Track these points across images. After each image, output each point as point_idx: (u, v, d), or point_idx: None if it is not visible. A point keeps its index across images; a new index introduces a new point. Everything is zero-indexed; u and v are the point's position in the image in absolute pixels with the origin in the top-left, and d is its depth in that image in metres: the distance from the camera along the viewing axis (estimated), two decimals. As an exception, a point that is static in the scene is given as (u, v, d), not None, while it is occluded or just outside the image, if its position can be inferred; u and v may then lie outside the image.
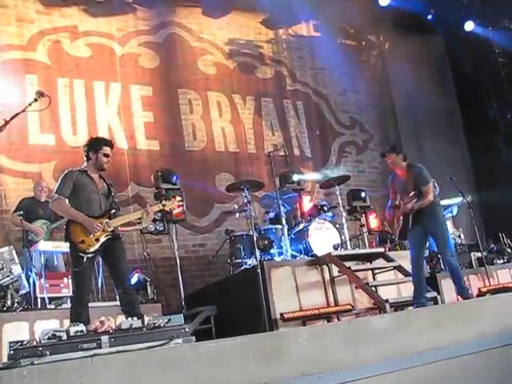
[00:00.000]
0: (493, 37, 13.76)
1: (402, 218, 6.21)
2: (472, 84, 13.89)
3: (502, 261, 9.22)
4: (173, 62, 10.49)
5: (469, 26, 13.44)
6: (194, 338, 3.59)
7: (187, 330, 3.61)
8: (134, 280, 6.83)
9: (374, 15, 12.77)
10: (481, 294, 7.31)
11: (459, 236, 9.93)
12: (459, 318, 3.86)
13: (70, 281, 5.50)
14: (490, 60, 13.97)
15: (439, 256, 8.69)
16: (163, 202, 5.61)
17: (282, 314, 6.03)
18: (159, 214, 7.45)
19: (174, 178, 8.02)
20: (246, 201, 7.35)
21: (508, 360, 3.73)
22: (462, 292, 6.09)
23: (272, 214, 8.07)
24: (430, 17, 13.19)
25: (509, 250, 9.67)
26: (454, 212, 8.79)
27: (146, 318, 3.98)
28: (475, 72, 14.02)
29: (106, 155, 5.29)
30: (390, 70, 13.60)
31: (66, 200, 5.09)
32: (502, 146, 13.23)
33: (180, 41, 10.74)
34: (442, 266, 8.90)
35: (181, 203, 7.45)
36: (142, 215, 5.30)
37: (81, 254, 4.89)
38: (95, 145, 5.34)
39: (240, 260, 7.31)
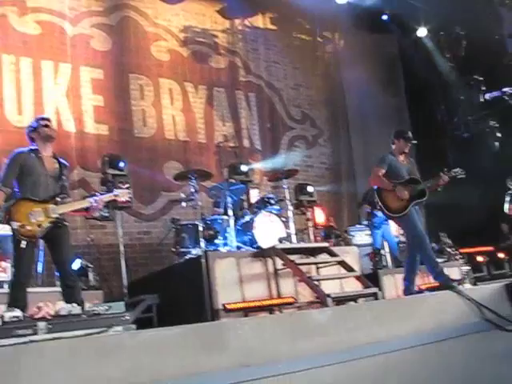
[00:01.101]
0: (444, 42, 14.06)
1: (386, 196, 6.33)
2: (422, 86, 14.16)
3: (442, 260, 9.45)
4: (126, 46, 10.30)
5: (421, 32, 13.73)
6: (134, 327, 3.56)
7: (128, 317, 3.58)
8: (75, 266, 6.69)
9: (330, 12, 12.84)
10: (419, 290, 7.50)
11: (403, 234, 10.13)
12: (397, 313, 3.94)
13: (9, 265, 5.36)
14: (440, 64, 14.27)
15: (381, 253, 8.89)
16: (115, 191, 5.51)
17: (224, 305, 6.04)
18: (105, 200, 7.34)
19: (122, 164, 7.88)
20: (193, 190, 7.33)
21: (443, 355, 3.83)
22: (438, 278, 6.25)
23: (220, 205, 8.05)
24: (385, 17, 13.37)
25: (449, 250, 9.93)
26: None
27: (86, 305, 3.92)
28: (426, 75, 14.30)
29: (46, 125, 5.17)
30: (344, 67, 13.72)
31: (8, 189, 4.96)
32: (448, 149, 13.53)
33: (134, 25, 10.54)
34: (385, 262, 9.13)
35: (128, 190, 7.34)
36: (89, 205, 5.21)
37: (21, 238, 4.78)
38: (34, 124, 5.23)
39: (185, 249, 7.27)
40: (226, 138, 10.30)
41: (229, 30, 12.12)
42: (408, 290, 6.33)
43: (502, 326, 4.17)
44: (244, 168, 9.18)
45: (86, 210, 5.34)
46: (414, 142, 6.60)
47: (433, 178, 6.44)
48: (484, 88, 12.57)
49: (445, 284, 5.87)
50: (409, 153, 6.76)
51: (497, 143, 12.76)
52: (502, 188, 9.25)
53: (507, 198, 9.17)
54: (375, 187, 6.52)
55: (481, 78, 12.94)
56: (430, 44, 14.06)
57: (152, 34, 10.75)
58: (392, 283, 7.87)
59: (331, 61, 13.87)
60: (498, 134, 12.83)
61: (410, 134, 6.63)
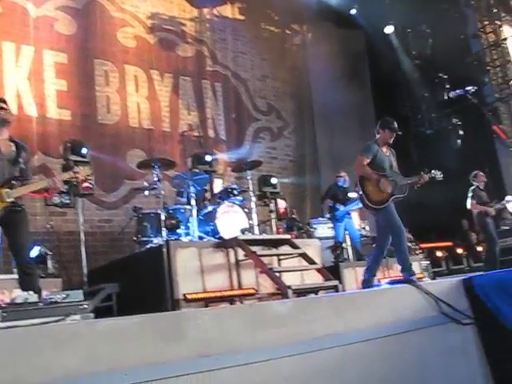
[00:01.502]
0: (411, 40, 14.22)
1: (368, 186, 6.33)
2: (388, 82, 14.30)
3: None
4: (91, 31, 10.13)
5: (389, 29, 13.88)
6: (92, 315, 3.51)
7: (86, 306, 3.52)
8: (34, 253, 6.58)
9: (299, 4, 12.85)
10: (378, 284, 7.59)
11: (364, 228, 10.25)
12: (357, 306, 3.96)
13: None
14: (406, 61, 14.43)
15: (343, 246, 8.96)
16: (75, 169, 5.34)
17: (185, 295, 6.01)
18: (66, 187, 7.24)
19: (84, 151, 7.76)
20: (156, 179, 7.27)
21: (401, 347, 3.87)
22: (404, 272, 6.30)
23: (183, 195, 8.00)
24: (353, 12, 13.43)
25: (409, 245, 10.06)
26: (363, 204, 9.00)
27: (44, 293, 3.85)
28: (391, 71, 14.45)
29: (1, 108, 4.93)
30: (311, 60, 13.77)
31: None
32: (412, 145, 13.71)
33: (100, 9, 10.36)
34: (346, 256, 9.21)
35: (90, 177, 7.23)
36: (47, 185, 5.06)
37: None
38: None
39: (146, 238, 7.20)
40: (191, 128, 10.22)
41: (197, 19, 12.04)
42: (368, 281, 6.37)
43: (458, 319, 4.24)
44: (208, 158, 9.14)
45: (46, 191, 5.16)
46: (400, 132, 6.58)
47: (414, 176, 6.45)
48: (448, 86, 12.78)
49: (407, 279, 5.95)
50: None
51: (459, 140, 12.98)
52: (463, 185, 9.41)
53: (469, 194, 9.34)
54: (357, 176, 6.45)
55: (445, 77, 13.15)
56: (396, 41, 14.21)
57: (119, 19, 10.60)
58: (353, 276, 7.95)
59: (299, 53, 13.90)
60: (461, 132, 13.06)
61: (395, 125, 6.50)
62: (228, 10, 12.70)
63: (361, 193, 6.34)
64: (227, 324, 3.32)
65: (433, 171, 6.49)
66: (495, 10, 13.52)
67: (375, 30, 14.11)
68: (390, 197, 6.20)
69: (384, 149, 6.48)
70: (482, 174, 9.53)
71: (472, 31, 13.78)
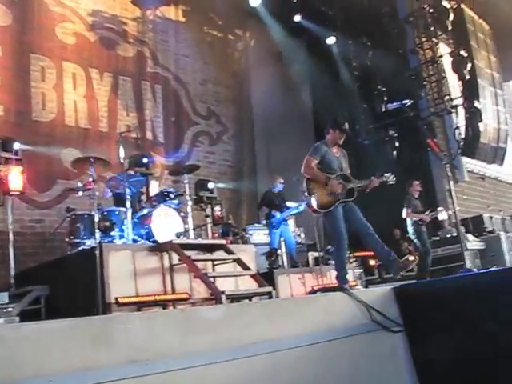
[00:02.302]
0: (352, 51, 14.49)
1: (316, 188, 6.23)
2: (327, 92, 14.49)
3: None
4: (28, 24, 9.83)
5: (330, 40, 14.10)
6: (17, 319, 3.39)
7: (11, 309, 3.40)
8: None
9: (243, 10, 12.89)
10: (312, 291, 7.67)
11: (299, 235, 10.33)
12: (290, 313, 3.97)
13: None
14: (346, 72, 14.68)
15: (278, 253, 9.00)
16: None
17: (117, 299, 5.89)
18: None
19: (17, 148, 7.51)
20: (91, 180, 7.11)
21: (332, 354, 3.91)
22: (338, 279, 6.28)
23: (119, 196, 7.87)
24: (297, 18, 13.54)
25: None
26: (301, 209, 9.07)
27: (-33, 294, 3.70)
28: (332, 81, 14.66)
29: None
30: (253, 66, 13.84)
31: None
32: (349, 155, 13.89)
33: (38, 2, 10.08)
34: (281, 262, 9.25)
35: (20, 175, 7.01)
36: None
37: None
38: None
39: (79, 240, 7.03)
40: (129, 129, 10.08)
41: (139, 19, 11.91)
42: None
43: (388, 327, 4.32)
44: (145, 160, 9.01)
45: None
46: (349, 133, 6.56)
47: (364, 180, 6.38)
48: (386, 98, 13.06)
49: (340, 287, 6.01)
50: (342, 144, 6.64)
51: (395, 152, 13.27)
52: (397, 195, 9.59)
53: (405, 203, 9.54)
54: (305, 178, 6.33)
55: (383, 89, 13.43)
56: (337, 52, 14.43)
57: (58, 14, 10.34)
58: (287, 283, 7.99)
59: (241, 59, 13.94)
60: (397, 143, 13.36)
61: (346, 126, 6.50)
62: (171, 12, 12.61)
63: (306, 195, 6.30)
64: (158, 329, 3.27)
65: (385, 175, 6.47)
66: (432, 28, 13.92)
67: (317, 40, 14.30)
68: (336, 200, 6.14)
69: (334, 149, 6.43)
70: (417, 183, 9.75)
71: (410, 47, 14.13)
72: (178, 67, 12.38)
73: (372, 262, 12.16)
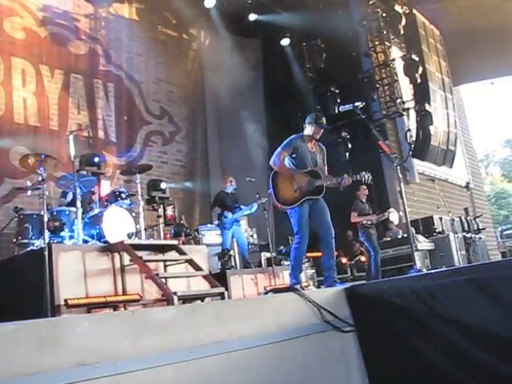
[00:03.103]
0: (305, 53, 14.60)
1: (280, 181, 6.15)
2: (281, 93, 14.57)
3: (288, 262, 9.75)
4: (-27, 17, 9.59)
5: (284, 41, 14.19)
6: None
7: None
8: None
9: (198, 9, 12.84)
10: (264, 292, 7.68)
11: (252, 236, 10.34)
12: (242, 314, 3.96)
13: None
14: (300, 74, 14.77)
15: (230, 253, 8.98)
16: None
17: (66, 300, 5.78)
18: None
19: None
20: (40, 179, 6.96)
21: (284, 355, 3.91)
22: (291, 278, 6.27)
23: (69, 197, 7.73)
24: (252, 19, 13.56)
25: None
26: (253, 209, 9.09)
27: None
28: (285, 82, 14.74)
29: None
30: (207, 66, 13.81)
31: None
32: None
33: (-15, -6, 9.84)
34: (233, 263, 9.24)
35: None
36: None
37: None
38: None
39: (27, 241, 6.87)
40: (81, 127, 9.91)
41: (92, 16, 11.73)
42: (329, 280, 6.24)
43: (339, 327, 4.35)
44: (96, 159, 8.89)
45: None
46: (327, 127, 6.49)
47: (335, 178, 6.26)
48: (339, 100, 13.20)
49: (291, 286, 6.02)
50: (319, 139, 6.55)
51: (347, 153, 13.43)
52: (350, 196, 9.70)
53: (352, 208, 9.67)
54: (272, 172, 6.29)
55: (337, 91, 13.57)
56: (291, 53, 14.53)
57: (5, 7, 10.07)
58: (239, 283, 7.98)
59: (195, 59, 13.88)
60: (349, 145, 13.51)
61: (324, 121, 6.43)
62: (125, 10, 12.46)
63: (271, 190, 6.25)
64: (108, 331, 3.21)
65: (361, 173, 6.33)
66: (385, 32, 14.15)
67: (272, 41, 14.37)
68: (302, 196, 6.08)
69: (310, 144, 6.37)
70: (364, 187, 9.88)
71: (364, 49, 14.34)
72: (131, 66, 12.25)
73: (344, 261, 12.30)
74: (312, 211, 6.22)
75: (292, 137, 6.37)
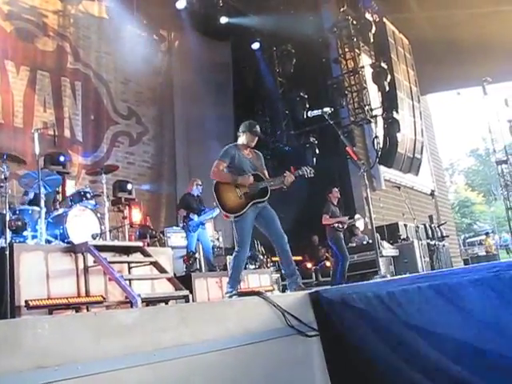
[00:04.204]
0: (276, 57, 14.65)
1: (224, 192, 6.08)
2: (250, 96, 14.60)
3: (254, 266, 9.75)
4: None
5: (255, 45, 14.23)
6: None
7: None
8: None
9: (169, 10, 12.77)
10: (228, 296, 7.65)
11: (218, 239, 10.31)
12: (206, 317, 3.93)
13: None
14: (270, 78, 14.82)
15: (195, 256, 8.94)
16: None
17: (27, 302, 5.67)
18: None
19: None
20: (2, 177, 6.82)
21: (248, 359, 3.89)
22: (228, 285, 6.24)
23: (31, 195, 7.60)
24: (223, 20, 13.54)
25: (261, 257, 10.26)
26: (215, 214, 9.07)
27: None
28: (255, 86, 14.78)
29: None
30: (176, 68, 13.75)
31: None
32: (269, 160, 14.04)
33: None
34: (198, 266, 9.19)
35: None
36: None
37: None
38: None
39: (-12, 240, 6.74)
40: (46, 125, 9.76)
41: (60, 12, 11.56)
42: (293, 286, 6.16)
43: (303, 332, 4.34)
44: (62, 159, 8.77)
45: None
46: (262, 136, 6.45)
47: (277, 177, 6.19)
48: (308, 105, 13.26)
49: (226, 294, 6.01)
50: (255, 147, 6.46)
51: (314, 158, 13.49)
52: (316, 201, 9.73)
53: (324, 210, 9.67)
54: (214, 183, 6.18)
55: (306, 96, 13.63)
56: (261, 57, 14.57)
57: (-32, 0, 9.88)
58: (204, 286, 7.94)
59: (164, 60, 13.81)
60: (317, 150, 13.58)
61: (258, 129, 6.34)
62: (95, 8, 12.34)
63: (216, 202, 6.20)
64: (69, 333, 3.15)
65: (303, 168, 6.25)
66: (355, 40, 14.28)
67: (242, 45, 14.39)
68: (248, 201, 6.02)
69: (246, 151, 6.32)
70: (336, 190, 9.91)
71: (333, 56, 14.45)
72: (100, 65, 12.12)
73: (309, 265, 12.33)
74: (261, 218, 6.17)
75: (227, 147, 6.31)
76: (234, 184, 6.08)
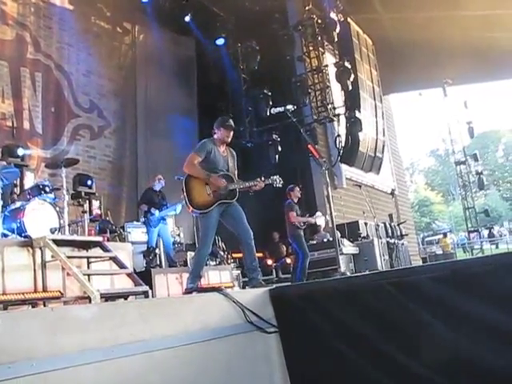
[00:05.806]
0: (240, 54, 14.62)
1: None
2: (214, 92, 14.55)
3: (214, 262, 9.74)
4: None
5: (219, 41, 14.19)
6: None
7: None
8: None
9: (133, 4, 12.64)
10: (188, 292, 7.62)
11: (179, 235, 10.26)
12: (165, 313, 3.91)
13: None
14: (234, 74, 14.79)
15: (156, 252, 8.89)
16: None
17: (-20, 297, 5.56)
18: None
19: None
20: (-42, 168, 6.68)
21: (207, 355, 3.89)
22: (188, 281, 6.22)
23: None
24: (187, 19, 13.46)
25: (222, 253, 10.25)
26: (178, 210, 9.04)
27: None
28: (219, 82, 14.73)
29: None
30: (140, 61, 13.64)
31: None
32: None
33: None
34: (158, 262, 9.14)
35: None
36: None
37: None
38: None
39: None
40: (4, 117, 9.56)
41: (20, 0, 11.27)
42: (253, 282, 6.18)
43: (263, 328, 4.36)
44: (20, 151, 8.61)
45: None
46: (235, 128, 6.46)
47: (249, 181, 6.24)
48: (271, 103, 13.28)
49: (186, 291, 6.00)
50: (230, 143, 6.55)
51: (277, 156, 13.52)
52: (276, 198, 9.73)
53: (287, 208, 9.68)
54: (185, 175, 6.17)
55: (269, 93, 13.65)
56: (226, 53, 14.53)
57: None
58: (164, 282, 7.89)
59: (128, 53, 13.66)
60: (279, 148, 13.62)
61: (231, 123, 6.39)
62: (57, -3, 12.09)
63: (184, 194, 6.18)
64: (24, 329, 3.09)
65: (272, 177, 6.31)
66: (319, 38, 14.35)
67: (207, 41, 14.33)
68: (216, 200, 6.02)
69: (221, 148, 6.33)
70: (298, 189, 9.95)
71: (298, 54, 14.48)
72: (61, 56, 11.90)
73: (269, 262, 12.34)
74: (227, 215, 6.18)
75: (204, 140, 6.33)
76: (205, 181, 6.08)
